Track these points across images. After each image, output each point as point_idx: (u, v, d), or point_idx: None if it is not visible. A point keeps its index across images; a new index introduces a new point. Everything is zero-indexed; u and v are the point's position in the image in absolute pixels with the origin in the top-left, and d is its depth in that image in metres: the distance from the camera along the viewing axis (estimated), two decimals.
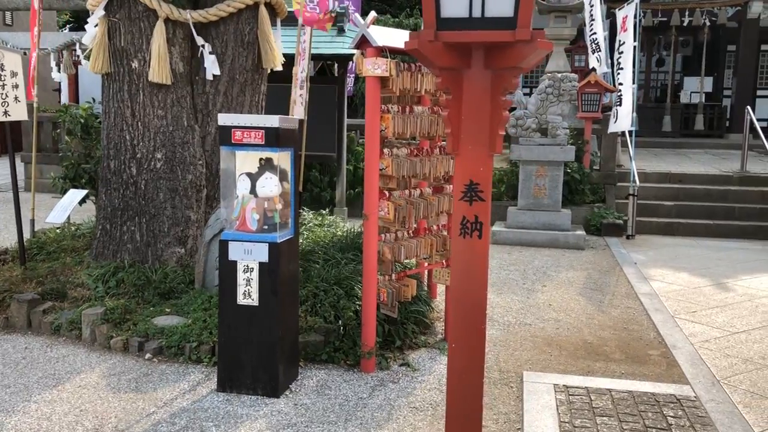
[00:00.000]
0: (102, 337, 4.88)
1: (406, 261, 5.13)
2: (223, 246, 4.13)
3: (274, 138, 3.98)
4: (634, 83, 10.09)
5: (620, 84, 9.90)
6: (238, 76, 5.93)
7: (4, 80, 5.61)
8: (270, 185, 4.08)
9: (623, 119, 9.86)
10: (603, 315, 6.10)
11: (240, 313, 4.13)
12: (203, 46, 5.79)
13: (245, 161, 4.15)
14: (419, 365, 4.75)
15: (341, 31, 9.97)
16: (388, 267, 4.63)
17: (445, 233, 5.11)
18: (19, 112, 5.70)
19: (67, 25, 27.43)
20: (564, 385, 4.46)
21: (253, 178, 4.10)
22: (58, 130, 9.42)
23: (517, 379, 4.60)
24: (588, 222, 10.13)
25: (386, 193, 4.59)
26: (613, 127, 10.14)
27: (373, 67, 4.32)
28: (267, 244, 4.06)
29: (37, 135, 12.17)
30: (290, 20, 7.04)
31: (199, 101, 5.93)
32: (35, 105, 6.60)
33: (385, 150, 4.54)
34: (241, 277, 4.11)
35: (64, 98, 13.25)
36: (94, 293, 5.42)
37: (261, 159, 4.11)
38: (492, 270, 7.71)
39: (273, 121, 3.99)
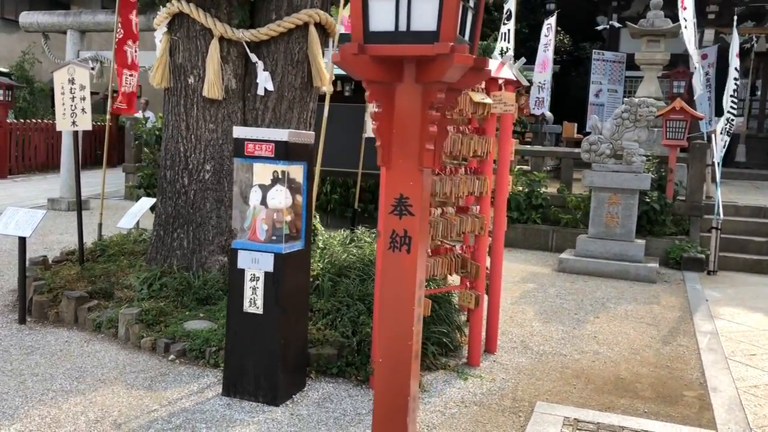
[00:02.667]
0: (134, 337, 5.14)
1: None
2: (233, 254, 4.27)
3: (283, 151, 4.09)
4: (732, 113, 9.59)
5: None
6: (286, 93, 6.12)
7: (74, 93, 6.08)
8: (280, 197, 4.18)
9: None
10: (649, 351, 5.77)
11: (245, 320, 4.25)
12: (256, 63, 6.02)
13: (261, 173, 4.28)
14: (430, 387, 4.68)
15: None
16: None
17: (467, 254, 5.03)
18: (84, 123, 6.15)
19: None
20: (575, 419, 4.26)
21: (264, 189, 4.22)
22: (137, 141, 10.05)
23: (529, 409, 4.44)
24: (667, 255, 9.61)
25: None
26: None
27: None
28: (273, 254, 4.16)
29: (138, 147, 13.02)
30: None
31: (249, 117, 6.16)
32: (108, 116, 7.04)
33: None
34: (247, 285, 4.23)
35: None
36: (139, 295, 5.71)
37: (274, 172, 4.23)
38: (548, 298, 7.49)
39: (282, 135, 4.10)
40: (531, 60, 23.14)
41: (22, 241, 5.43)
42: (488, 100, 4.81)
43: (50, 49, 11.58)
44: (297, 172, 4.26)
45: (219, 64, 5.93)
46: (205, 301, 5.68)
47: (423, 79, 2.31)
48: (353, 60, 2.28)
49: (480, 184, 4.91)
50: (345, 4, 6.65)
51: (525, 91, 5.75)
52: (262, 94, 6.08)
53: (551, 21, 14.77)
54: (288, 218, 4.22)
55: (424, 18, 2.22)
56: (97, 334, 5.35)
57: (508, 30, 14.28)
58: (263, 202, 4.22)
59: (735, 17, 9.56)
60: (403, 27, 2.26)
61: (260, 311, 4.21)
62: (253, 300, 4.22)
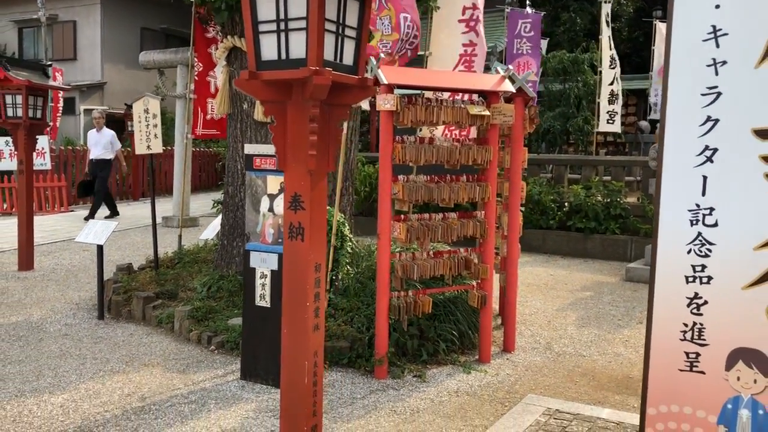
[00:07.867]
0: (184, 330, 5.90)
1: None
2: (246, 255, 4.90)
3: None
4: None
5: None
6: None
7: (149, 121, 7.02)
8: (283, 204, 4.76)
9: None
10: None
11: (257, 313, 4.85)
12: None
13: (272, 184, 4.90)
14: (431, 379, 5.05)
15: (487, 69, 10.42)
16: (399, 283, 5.03)
17: (471, 256, 5.36)
18: (157, 147, 7.08)
19: None
20: (556, 410, 4.49)
21: (272, 198, 4.83)
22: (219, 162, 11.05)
23: (519, 400, 4.71)
24: None
25: (402, 215, 5.03)
26: None
27: (384, 102, 4.83)
28: (277, 254, 4.74)
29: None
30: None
31: None
32: (186, 141, 7.96)
33: (400, 177, 5.00)
34: (258, 282, 4.83)
35: None
36: (198, 295, 6.50)
37: (282, 182, 4.82)
38: (598, 305, 7.57)
39: None
40: (639, 69, 22.62)
41: (100, 248, 6.37)
42: (486, 113, 5.16)
43: (164, 83, 12.96)
44: None
45: None
46: None
47: (305, 97, 2.80)
48: (247, 84, 2.82)
49: (481, 191, 5.25)
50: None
51: (535, 103, 6.00)
52: None
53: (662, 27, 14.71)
54: None
55: (297, 49, 2.73)
56: (158, 329, 6.16)
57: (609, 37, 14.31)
58: (270, 209, 4.83)
59: None
60: (284, 56, 2.77)
61: (268, 305, 4.80)
62: (263, 295, 4.82)
